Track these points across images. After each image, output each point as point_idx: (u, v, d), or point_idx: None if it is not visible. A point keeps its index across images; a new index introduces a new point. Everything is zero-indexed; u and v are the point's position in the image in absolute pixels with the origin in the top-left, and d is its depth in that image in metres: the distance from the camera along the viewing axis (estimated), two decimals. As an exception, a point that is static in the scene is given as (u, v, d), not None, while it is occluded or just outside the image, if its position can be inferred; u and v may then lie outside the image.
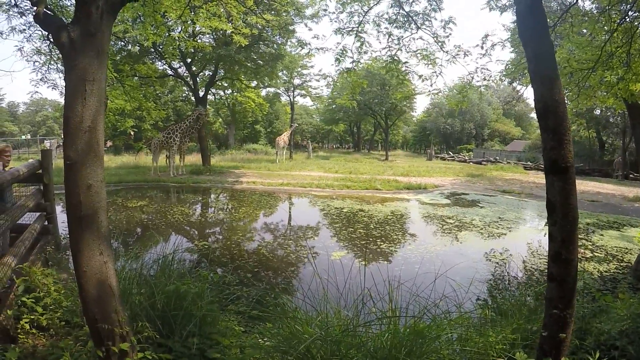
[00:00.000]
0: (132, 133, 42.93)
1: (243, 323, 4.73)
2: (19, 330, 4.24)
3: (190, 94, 37.52)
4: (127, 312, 3.93)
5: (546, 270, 8.86)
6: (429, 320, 3.90)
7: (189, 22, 10.10)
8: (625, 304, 5.30)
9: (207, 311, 4.00)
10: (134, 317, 3.80)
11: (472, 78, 9.90)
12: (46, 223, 7.85)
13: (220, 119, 54.82)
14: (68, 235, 8.73)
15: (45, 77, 15.29)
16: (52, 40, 3.29)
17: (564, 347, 2.90)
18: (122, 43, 24.13)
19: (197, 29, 23.89)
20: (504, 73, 14.70)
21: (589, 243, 11.92)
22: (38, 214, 7.82)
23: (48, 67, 14.27)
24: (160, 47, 24.33)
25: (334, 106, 57.94)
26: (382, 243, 11.55)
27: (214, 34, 26.32)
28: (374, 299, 3.99)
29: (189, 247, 10.65)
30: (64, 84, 3.19)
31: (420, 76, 9.48)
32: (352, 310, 3.93)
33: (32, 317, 4.38)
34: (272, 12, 23.27)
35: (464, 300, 4.92)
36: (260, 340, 3.68)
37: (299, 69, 39.56)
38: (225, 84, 38.50)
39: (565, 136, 2.86)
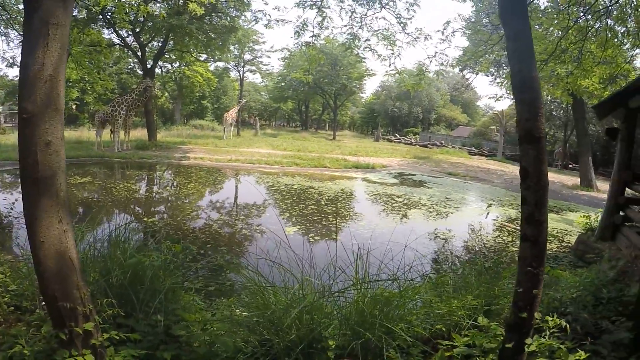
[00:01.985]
0: (74, 106, 41.11)
1: (201, 300, 4.59)
2: None
3: (137, 65, 36.09)
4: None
5: (492, 247, 9.26)
6: (394, 288, 3.93)
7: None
8: (573, 275, 5.60)
9: (172, 284, 3.82)
10: (92, 293, 3.58)
11: (431, 62, 10.01)
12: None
13: (167, 93, 53.20)
14: (10, 213, 8.20)
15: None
16: None
17: (537, 302, 3.09)
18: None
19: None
20: (460, 60, 14.98)
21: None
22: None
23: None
24: (110, 14, 23.17)
25: (283, 84, 57.43)
26: (333, 219, 11.58)
27: (167, 2, 25.31)
28: (340, 268, 3.95)
29: (137, 225, 10.28)
30: (20, 40, 2.90)
31: (379, 56, 9.45)
32: (319, 276, 3.89)
33: None
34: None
35: (425, 271, 5.00)
36: (237, 311, 3.55)
37: (251, 44, 38.87)
38: (174, 57, 37.22)
39: (540, 109, 3.01)
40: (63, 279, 2.82)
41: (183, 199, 13.92)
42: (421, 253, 4.95)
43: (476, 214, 14.07)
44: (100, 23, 25.08)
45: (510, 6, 3.20)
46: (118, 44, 28.34)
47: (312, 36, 8.84)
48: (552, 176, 26.69)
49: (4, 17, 11.10)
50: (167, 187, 16.55)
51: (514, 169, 29.48)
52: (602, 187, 22.68)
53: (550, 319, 3.51)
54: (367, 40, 9.08)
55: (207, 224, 10.92)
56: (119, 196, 13.44)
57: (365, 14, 8.66)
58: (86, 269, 4.00)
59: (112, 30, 26.62)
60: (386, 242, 4.67)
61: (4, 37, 14.32)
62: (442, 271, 7.82)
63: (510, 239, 10.76)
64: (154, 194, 15.21)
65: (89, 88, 21.01)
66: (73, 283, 2.85)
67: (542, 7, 10.56)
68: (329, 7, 8.58)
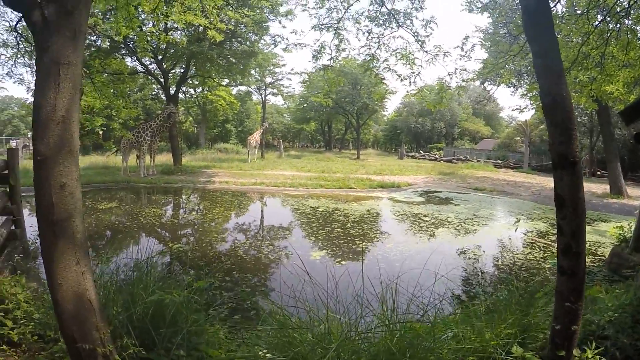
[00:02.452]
0: (100, 132, 41.95)
1: (226, 330, 4.48)
2: None
3: (161, 91, 36.75)
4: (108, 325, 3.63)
5: (524, 264, 8.94)
6: (423, 319, 3.76)
7: (162, 15, 9.77)
8: (611, 295, 5.31)
9: (194, 321, 3.72)
10: (114, 329, 3.49)
11: (451, 79, 9.84)
12: (13, 227, 7.36)
13: (191, 118, 53.96)
14: (38, 241, 8.28)
15: (12, 72, 14.74)
16: (24, 21, 2.96)
17: (575, 339, 2.88)
18: (92, 37, 23.40)
19: (170, 24, 23.36)
20: (481, 73, 14.76)
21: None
22: (4, 217, 7.36)
23: (15, 60, 13.73)
24: (132, 43, 23.69)
25: (305, 105, 57.75)
26: (360, 242, 11.39)
27: (187, 29, 25.79)
28: (367, 300, 3.79)
29: (162, 249, 10.30)
30: (34, 77, 2.88)
31: (399, 76, 9.33)
32: (345, 312, 3.74)
33: (2, 331, 3.96)
34: (247, 9, 22.92)
35: (453, 297, 4.81)
36: (260, 352, 3.41)
37: (271, 67, 39.20)
38: (197, 82, 37.89)
39: (573, 131, 2.81)
40: (82, 321, 2.75)
41: (208, 223, 13.91)
42: (448, 277, 4.75)
43: (505, 230, 13.71)
44: (123, 52, 25.67)
45: (535, 21, 3.02)
46: (141, 72, 28.98)
47: (330, 59, 8.78)
48: (582, 186, 26.01)
49: (27, 49, 11.41)
50: (193, 212, 16.60)
51: (541, 180, 28.88)
52: (633, 194, 22.00)
53: (589, 350, 3.29)
54: (386, 60, 8.98)
55: (233, 249, 10.86)
56: (145, 221, 13.52)
57: (383, 34, 8.58)
58: (108, 301, 3.94)
59: (135, 59, 27.22)
60: (414, 265, 4.52)
61: (28, 68, 14.75)
62: (473, 293, 7.60)
63: (541, 256, 10.41)
64: (180, 218, 15.25)
65: (114, 114, 21.35)
66: (92, 324, 2.78)
67: (560, 14, 10.29)
68: (345, 29, 8.52)
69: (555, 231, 10.68)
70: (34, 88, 2.88)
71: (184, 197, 20.02)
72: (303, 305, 3.82)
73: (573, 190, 2.75)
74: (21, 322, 4.22)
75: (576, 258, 2.77)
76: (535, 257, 10.41)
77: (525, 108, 28.24)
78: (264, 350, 3.39)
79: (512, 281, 7.87)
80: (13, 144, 36.36)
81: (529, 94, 17.43)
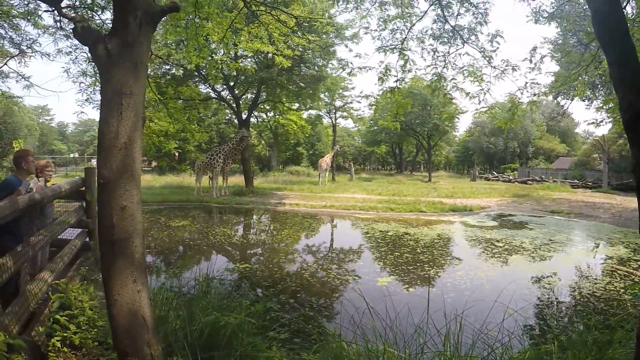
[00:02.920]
0: (176, 154, 43.97)
1: (284, 352, 4.44)
2: (49, 348, 4.07)
3: (234, 116, 38.01)
4: (161, 342, 3.70)
5: (602, 295, 8.28)
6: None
7: (230, 44, 10.14)
8: None
9: (248, 344, 3.71)
10: (169, 345, 3.57)
11: (522, 94, 9.47)
12: (87, 239, 7.84)
13: (263, 141, 55.33)
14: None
15: (91, 98, 15.82)
16: (90, 55, 3.16)
17: None
18: (167, 67, 24.71)
19: (239, 52, 24.24)
20: (553, 87, 14.08)
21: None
22: (80, 230, 7.83)
23: (93, 88, 14.72)
24: (204, 70, 24.75)
25: (375, 128, 57.69)
26: (429, 268, 11.07)
27: (256, 57, 26.64)
28: (429, 335, 3.61)
29: (229, 268, 10.49)
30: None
31: (467, 93, 9.08)
32: (405, 347, 3.57)
33: (65, 334, 4.21)
34: (313, 34, 23.36)
35: (525, 330, 4.51)
36: None
37: (341, 91, 39.51)
38: (268, 107, 38.86)
39: None
40: (134, 336, 2.84)
41: (277, 244, 14.05)
42: (519, 310, 4.47)
43: (583, 256, 12.85)
44: (196, 79, 26.89)
45: (611, 25, 2.74)
46: (214, 98, 30.14)
47: (396, 80, 8.68)
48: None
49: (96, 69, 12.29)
50: (262, 233, 16.85)
51: (621, 201, 27.04)
52: None
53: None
54: (453, 79, 8.78)
55: (299, 270, 10.87)
56: (214, 240, 13.89)
57: (448, 52, 8.41)
58: (168, 317, 4.03)
59: (208, 85, 28.39)
60: (485, 294, 4.29)
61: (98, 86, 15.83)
62: (546, 327, 7.13)
63: (622, 285, 9.62)
64: (249, 238, 15.51)
65: (190, 137, 22.39)
66: (144, 340, 2.86)
67: (631, 16, 9.48)
68: (409, 50, 8.42)
69: (637, 257, 9.92)
70: (99, 117, 3.02)
71: (254, 217, 20.40)
72: (362, 334, 3.70)
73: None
74: (84, 327, 4.47)
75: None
76: (615, 287, 9.63)
77: (602, 122, 26.54)
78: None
79: (589, 313, 7.35)
80: (94, 162, 38.76)
81: (605, 107, 16.43)
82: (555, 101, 35.60)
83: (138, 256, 2.84)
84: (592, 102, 29.35)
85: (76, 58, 13.34)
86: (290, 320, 6.07)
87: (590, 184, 40.50)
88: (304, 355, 4.35)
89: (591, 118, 28.78)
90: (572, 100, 30.91)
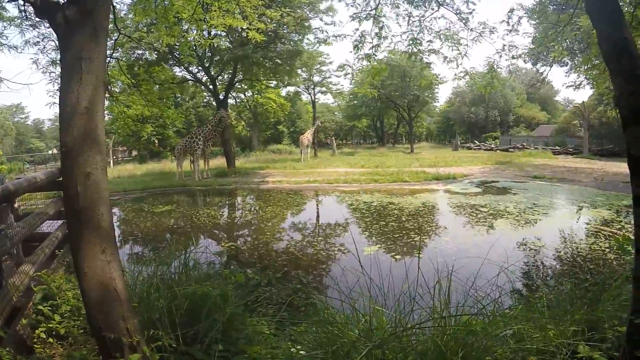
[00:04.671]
0: (156, 141, 43.44)
1: (273, 326, 4.35)
2: (35, 340, 3.98)
3: (211, 98, 37.53)
4: (145, 317, 3.58)
5: (588, 255, 8.33)
6: (479, 314, 3.45)
7: (202, 21, 9.88)
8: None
9: (231, 315, 3.59)
10: (153, 323, 3.45)
11: (501, 56, 9.34)
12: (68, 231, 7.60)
13: (243, 122, 54.78)
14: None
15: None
16: (50, 26, 3.03)
17: None
18: (140, 52, 24.16)
19: (212, 32, 23.77)
20: (531, 51, 13.97)
21: (630, 226, 11.21)
22: (60, 221, 7.59)
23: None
24: (177, 52, 24.24)
25: (355, 102, 57.49)
26: (415, 236, 11.06)
27: (230, 36, 26.15)
28: (420, 295, 3.52)
29: (216, 249, 10.37)
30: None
31: (445, 58, 8.94)
32: (395, 308, 3.48)
33: (50, 325, 4.10)
34: (286, 8, 22.96)
35: (513, 291, 4.47)
36: (292, 348, 3.24)
37: (318, 66, 39.10)
38: (245, 86, 38.42)
39: None
40: (107, 310, 2.72)
41: (261, 222, 13.94)
42: (509, 269, 4.40)
43: (567, 219, 12.95)
44: (171, 62, 26.38)
45: None
46: (190, 79, 29.65)
47: (372, 47, 8.49)
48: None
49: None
50: (246, 212, 16.73)
51: (602, 166, 27.29)
52: None
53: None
54: (430, 42, 8.61)
55: (286, 246, 10.79)
56: (199, 222, 13.72)
57: (423, 16, 8.22)
58: (153, 295, 3.92)
59: (183, 68, 27.91)
60: (472, 258, 4.19)
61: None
62: (534, 287, 7.15)
63: (607, 245, 9.67)
64: (233, 218, 15.38)
65: (168, 122, 22.12)
66: (118, 314, 2.74)
67: None
68: (384, 16, 8.21)
69: (620, 219, 9.98)
70: (60, 85, 2.90)
71: (238, 197, 20.24)
72: (350, 300, 3.60)
73: (651, 149, 2.28)
74: (69, 316, 4.36)
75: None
76: (601, 246, 9.68)
77: (581, 84, 26.59)
78: (298, 347, 3.21)
79: (576, 273, 7.39)
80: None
81: (583, 67, 16.39)
82: (535, 68, 35.62)
83: (105, 225, 2.70)
84: (570, 69, 29.46)
85: (44, 47, 12.99)
86: (278, 295, 5.98)
87: (571, 150, 40.85)
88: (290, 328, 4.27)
89: (570, 81, 28.93)
90: (551, 67, 30.93)
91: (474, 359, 3.00)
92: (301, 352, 3.13)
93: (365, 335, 3.09)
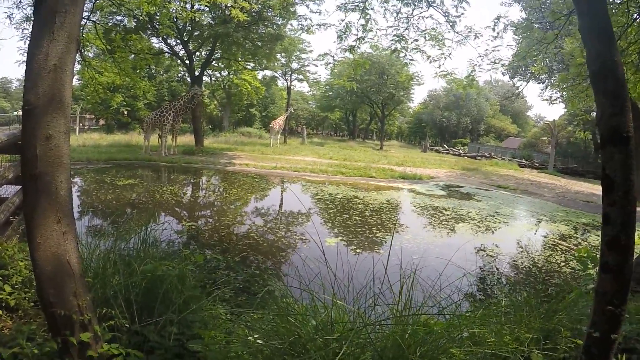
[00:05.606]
0: (125, 112, 42.38)
1: (229, 310, 4.26)
2: None
3: (186, 74, 36.80)
4: (99, 293, 3.44)
5: (544, 267, 8.51)
6: (439, 314, 3.45)
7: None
8: (637, 305, 4.91)
9: (189, 297, 3.49)
10: (107, 300, 3.31)
11: (482, 60, 9.44)
12: (25, 197, 7.26)
13: (216, 101, 54.01)
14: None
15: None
16: None
17: (613, 349, 2.44)
18: (118, 18, 23.41)
19: (195, 7, 23.24)
20: (512, 63, 14.21)
21: (586, 243, 11.53)
22: (18, 187, 7.25)
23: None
24: (157, 23, 23.60)
25: (330, 93, 57.38)
26: (377, 231, 11.10)
27: (212, 12, 25.63)
28: (380, 290, 3.49)
29: (177, 228, 10.15)
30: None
31: (428, 57, 8.96)
32: (355, 303, 3.44)
33: (0, 296, 3.88)
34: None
35: (467, 295, 4.51)
36: (250, 337, 3.16)
37: (298, 53, 38.83)
38: (222, 65, 37.81)
39: (626, 101, 2.39)
40: (59, 285, 2.55)
41: (225, 204, 13.76)
42: (468, 271, 4.43)
43: (527, 229, 13.26)
44: (149, 32, 25.66)
45: None
46: (167, 52, 28.95)
47: (356, 39, 8.43)
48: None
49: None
50: (210, 192, 16.50)
51: (565, 183, 28.11)
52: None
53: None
54: (416, 40, 8.61)
55: (247, 231, 10.68)
56: (161, 199, 13.44)
57: (412, 14, 8.22)
58: (108, 270, 3.78)
59: (161, 39, 27.21)
60: (432, 258, 4.20)
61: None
62: (489, 292, 7.27)
63: (562, 259, 9.94)
64: (196, 198, 15.16)
65: (139, 93, 21.49)
66: (70, 289, 2.57)
67: None
68: (372, 9, 8.16)
69: (577, 235, 10.26)
70: (30, 39, 2.70)
71: (203, 177, 19.93)
72: (310, 291, 3.55)
73: (625, 171, 2.32)
74: (20, 288, 4.14)
75: (624, 252, 2.34)
76: (556, 259, 9.94)
77: (555, 100, 27.29)
78: (256, 336, 3.13)
79: (531, 282, 7.55)
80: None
81: (561, 85, 16.77)
82: (512, 82, 36.33)
83: (63, 193, 2.53)
84: (547, 87, 30.11)
85: (20, 2, 12.41)
86: (236, 279, 5.88)
87: (537, 164, 41.80)
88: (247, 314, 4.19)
89: (546, 94, 29.55)
90: (528, 82, 31.65)
91: (431, 357, 2.99)
92: (258, 340, 3.06)
93: (324, 328, 3.05)
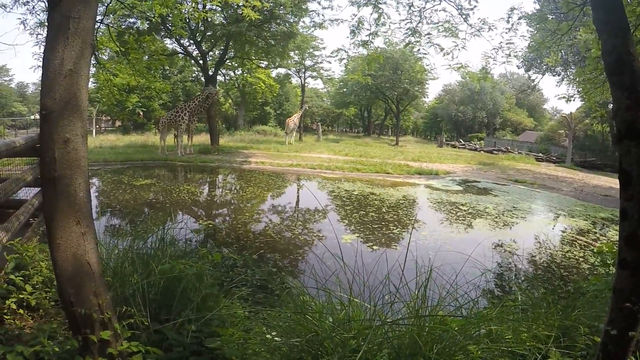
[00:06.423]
0: (140, 113, 42.78)
1: (248, 308, 4.29)
2: (5, 310, 3.83)
3: (200, 73, 37.03)
4: (118, 292, 3.49)
5: (562, 262, 8.43)
6: (456, 315, 3.43)
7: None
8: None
9: (206, 295, 3.53)
10: (126, 299, 3.37)
11: (497, 53, 9.36)
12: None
13: (230, 100, 54.25)
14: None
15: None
16: None
17: (630, 347, 2.37)
18: (132, 20, 23.63)
19: (207, 6, 23.34)
20: (526, 56, 14.05)
21: (604, 238, 11.36)
22: (37, 189, 7.38)
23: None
24: (170, 24, 23.76)
25: (345, 89, 57.20)
26: (394, 228, 11.07)
27: (224, 11, 25.74)
28: (395, 287, 3.48)
29: (194, 227, 10.24)
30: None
31: (442, 49, 8.92)
32: (369, 298, 3.44)
33: (21, 296, 3.98)
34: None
35: (485, 292, 4.48)
36: (267, 335, 3.18)
37: (311, 50, 38.77)
38: (236, 64, 37.95)
39: None
40: (79, 284, 2.61)
41: (241, 202, 13.85)
42: (486, 268, 4.40)
43: (545, 225, 13.10)
44: (163, 34, 25.86)
45: None
46: (180, 53, 29.17)
47: (370, 34, 8.43)
48: None
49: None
50: (227, 191, 16.61)
51: (583, 177, 27.71)
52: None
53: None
54: (429, 34, 8.57)
55: (264, 229, 10.74)
56: (178, 198, 13.56)
57: (424, 7, 8.18)
58: (127, 269, 3.84)
59: (174, 40, 27.41)
60: (449, 254, 4.17)
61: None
62: (507, 289, 7.22)
63: (581, 255, 9.80)
64: (213, 197, 15.28)
65: (154, 94, 21.69)
66: (90, 288, 2.63)
67: None
68: (385, 3, 8.15)
69: (596, 230, 10.15)
70: (45, 45, 2.76)
71: (219, 176, 20.07)
72: (327, 288, 3.56)
73: (643, 166, 2.21)
74: (41, 288, 4.24)
75: (643, 247, 2.25)
76: (575, 255, 9.81)
77: (572, 96, 26.96)
78: (273, 333, 3.16)
79: (549, 279, 7.47)
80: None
81: (577, 79, 16.55)
82: (527, 75, 35.83)
83: (82, 195, 2.58)
84: (562, 80, 29.64)
85: (33, 8, 12.61)
86: (253, 277, 5.92)
87: (554, 158, 41.23)
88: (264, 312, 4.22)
89: (562, 93, 29.31)
90: (543, 74, 31.23)
91: (448, 355, 2.99)
92: (276, 338, 3.08)
93: (340, 326, 3.06)
